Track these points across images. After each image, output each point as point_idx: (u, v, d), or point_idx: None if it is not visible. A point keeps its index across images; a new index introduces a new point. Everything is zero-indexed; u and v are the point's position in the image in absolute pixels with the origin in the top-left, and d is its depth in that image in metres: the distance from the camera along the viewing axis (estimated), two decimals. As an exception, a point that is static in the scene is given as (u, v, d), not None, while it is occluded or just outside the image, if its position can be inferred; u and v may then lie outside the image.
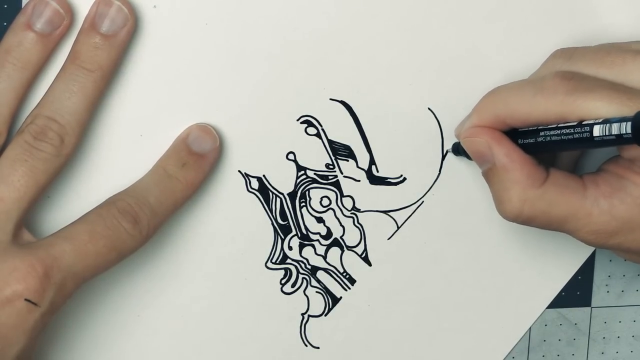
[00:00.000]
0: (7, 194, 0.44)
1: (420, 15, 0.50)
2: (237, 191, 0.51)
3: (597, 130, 0.43)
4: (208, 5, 0.48)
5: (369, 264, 0.53)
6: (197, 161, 0.48)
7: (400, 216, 0.53)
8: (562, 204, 0.46)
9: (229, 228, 0.51)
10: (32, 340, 0.44)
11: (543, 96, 0.45)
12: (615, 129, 0.42)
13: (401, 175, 0.52)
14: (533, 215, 0.46)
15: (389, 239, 0.53)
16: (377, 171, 0.52)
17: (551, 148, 0.46)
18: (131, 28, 0.46)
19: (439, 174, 0.53)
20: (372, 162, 0.52)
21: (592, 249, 0.55)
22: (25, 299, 0.43)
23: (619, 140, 0.42)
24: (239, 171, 0.50)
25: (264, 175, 0.51)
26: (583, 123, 0.44)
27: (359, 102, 0.51)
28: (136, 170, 0.48)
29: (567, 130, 0.44)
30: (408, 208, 0.53)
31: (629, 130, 0.41)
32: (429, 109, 0.52)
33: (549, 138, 0.45)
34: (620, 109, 0.43)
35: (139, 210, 0.46)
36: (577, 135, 0.44)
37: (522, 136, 0.47)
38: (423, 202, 0.53)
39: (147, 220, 0.47)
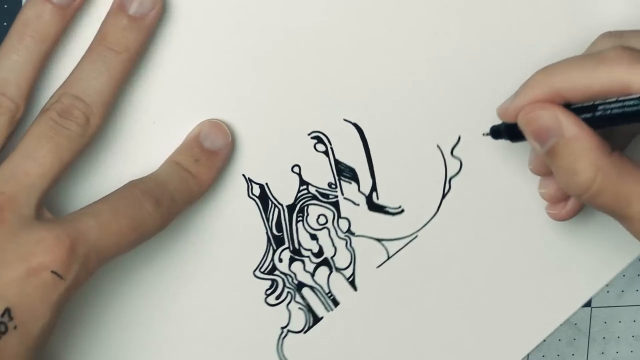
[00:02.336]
0: (32, 169, 0.44)
1: (449, 55, 0.51)
2: (238, 194, 0.51)
3: None
4: (240, 5, 0.49)
5: (355, 289, 0.54)
6: (209, 158, 0.49)
7: (392, 246, 0.53)
8: (631, 179, 0.45)
9: (223, 230, 0.51)
10: (55, 317, 0.44)
11: (606, 66, 0.45)
12: None
13: (400, 207, 0.53)
14: (604, 186, 0.45)
15: (378, 267, 0.54)
16: (377, 198, 0.53)
17: (611, 122, 0.45)
18: (159, 11, 0.47)
19: (437, 211, 0.53)
20: (374, 188, 0.53)
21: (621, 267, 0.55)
22: (52, 271, 0.43)
23: None
24: (243, 175, 0.51)
25: (266, 184, 0.51)
26: None
27: (371, 127, 0.52)
28: (148, 159, 0.49)
29: (631, 102, 0.44)
30: (401, 240, 0.53)
31: None
32: (437, 146, 0.53)
33: (609, 111, 0.45)
34: None
35: (160, 195, 0.47)
36: None
37: (578, 112, 0.46)
38: (417, 236, 0.54)
39: (168, 205, 0.47)
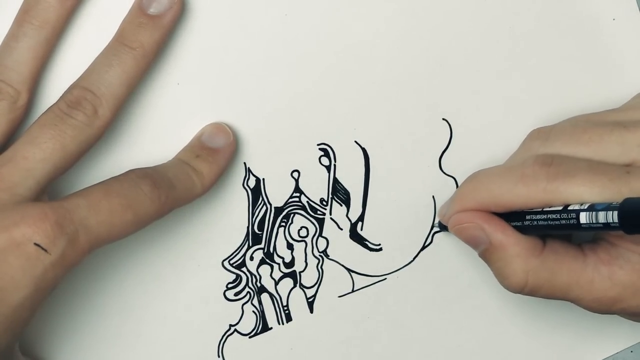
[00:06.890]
0: (32, 153, 0.45)
1: (468, 112, 0.53)
2: (233, 181, 0.51)
3: (583, 218, 0.44)
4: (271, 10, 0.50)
5: (311, 311, 0.53)
6: (210, 154, 0.49)
7: (360, 281, 0.54)
8: (564, 271, 0.47)
9: (207, 212, 0.51)
10: (40, 292, 0.43)
11: (525, 184, 0.46)
12: (602, 217, 0.43)
13: (379, 245, 0.54)
14: (538, 284, 0.47)
15: (340, 296, 0.54)
16: (361, 229, 0.53)
17: (539, 231, 0.47)
18: (177, 11, 0.47)
19: (412, 260, 0.54)
20: (361, 218, 0.53)
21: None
22: (35, 243, 0.43)
23: (607, 227, 0.43)
24: (244, 163, 0.51)
25: (263, 179, 0.52)
26: (569, 209, 0.45)
27: (378, 158, 0.52)
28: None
29: (554, 216, 0.45)
30: (370, 277, 0.54)
31: (615, 220, 0.42)
32: (432, 197, 0.54)
33: (535, 222, 0.46)
34: (602, 192, 0.44)
35: (158, 178, 0.47)
36: (564, 222, 0.45)
37: (508, 219, 0.48)
38: (386, 279, 0.54)
39: (167, 190, 0.47)
